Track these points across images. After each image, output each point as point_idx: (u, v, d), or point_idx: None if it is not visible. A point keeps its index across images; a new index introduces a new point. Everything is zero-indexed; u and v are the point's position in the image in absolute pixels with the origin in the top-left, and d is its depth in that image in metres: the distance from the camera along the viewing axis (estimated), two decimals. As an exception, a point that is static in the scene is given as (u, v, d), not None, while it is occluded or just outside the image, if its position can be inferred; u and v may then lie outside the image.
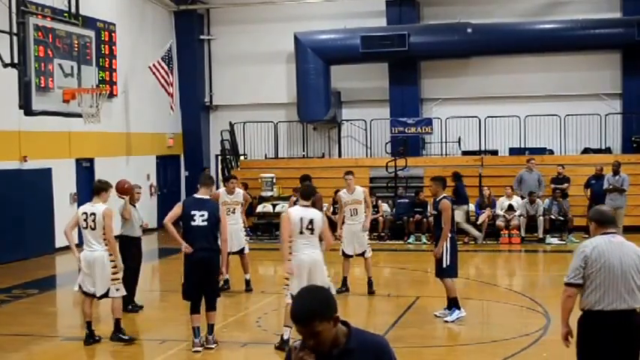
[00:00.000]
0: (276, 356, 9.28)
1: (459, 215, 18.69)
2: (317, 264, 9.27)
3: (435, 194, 10.97)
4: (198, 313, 9.55)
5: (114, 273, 9.76)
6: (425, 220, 19.19)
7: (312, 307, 3.42)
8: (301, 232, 9.21)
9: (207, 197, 9.69)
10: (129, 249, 11.49)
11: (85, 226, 9.74)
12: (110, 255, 9.74)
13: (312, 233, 9.24)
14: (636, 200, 19.00)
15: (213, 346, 9.50)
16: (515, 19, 23.35)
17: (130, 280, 11.49)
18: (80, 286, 9.85)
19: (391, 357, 3.62)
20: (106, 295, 9.74)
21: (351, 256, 12.92)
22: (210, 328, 9.56)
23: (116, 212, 10.90)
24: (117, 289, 9.79)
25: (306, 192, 9.60)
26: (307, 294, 3.54)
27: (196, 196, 9.73)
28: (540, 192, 19.42)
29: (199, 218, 9.39)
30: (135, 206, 11.69)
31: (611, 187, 17.91)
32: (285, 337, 9.22)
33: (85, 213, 9.77)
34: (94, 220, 9.66)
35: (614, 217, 6.43)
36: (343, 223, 12.95)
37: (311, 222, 9.20)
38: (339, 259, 13.14)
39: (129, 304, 11.63)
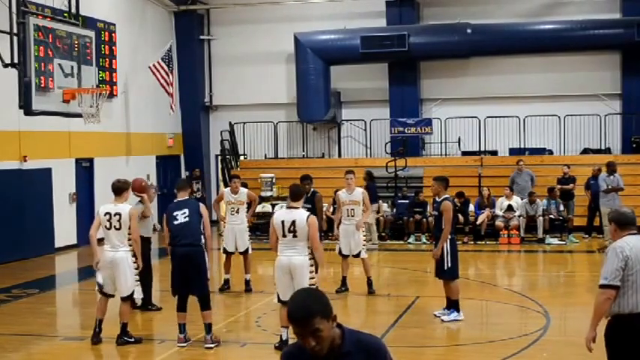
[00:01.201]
0: (276, 356, 9.28)
1: (370, 216, 18.93)
2: (297, 268, 9.02)
3: (436, 194, 10.93)
4: (183, 311, 9.60)
5: (136, 274, 9.77)
6: (425, 220, 19.22)
7: (310, 305, 3.34)
8: (284, 235, 9.03)
9: (187, 198, 9.86)
10: (146, 248, 11.56)
11: (108, 226, 9.62)
12: (133, 256, 9.71)
13: (294, 236, 8.97)
14: (636, 200, 18.99)
15: (212, 346, 9.48)
16: (515, 20, 23.36)
17: (147, 280, 11.58)
18: (101, 286, 9.80)
19: (387, 357, 3.57)
20: (131, 296, 9.71)
21: (348, 256, 12.88)
22: (207, 328, 9.52)
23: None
24: (141, 291, 9.81)
25: (295, 192, 9.29)
26: (302, 293, 3.49)
27: (176, 200, 9.88)
28: (532, 189, 19.53)
29: (181, 216, 9.58)
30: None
31: (609, 187, 17.91)
32: (284, 338, 9.24)
33: (109, 213, 9.64)
34: (119, 220, 9.57)
35: (634, 217, 6.19)
36: (340, 223, 12.90)
37: (293, 224, 8.94)
38: (338, 259, 13.16)
39: (148, 304, 11.70)
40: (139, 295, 9.87)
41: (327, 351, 3.42)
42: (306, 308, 3.34)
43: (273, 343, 9.47)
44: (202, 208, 9.77)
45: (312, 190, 12.95)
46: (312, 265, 9.26)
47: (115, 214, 9.62)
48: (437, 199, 10.89)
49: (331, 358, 3.45)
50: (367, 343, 3.55)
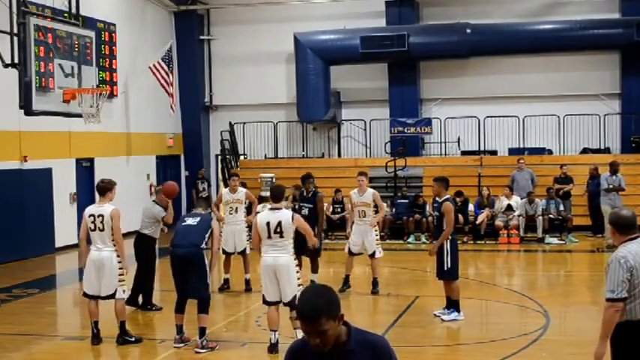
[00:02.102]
0: (275, 356, 9.30)
1: None
2: (282, 268, 9.03)
3: (437, 195, 10.95)
4: (181, 313, 9.60)
5: (121, 274, 9.74)
6: (424, 219, 19.24)
7: (319, 305, 3.44)
8: (269, 237, 9.05)
9: (203, 212, 10.02)
10: (152, 249, 11.63)
11: (93, 228, 9.63)
12: (118, 256, 9.69)
13: (281, 237, 9.00)
14: (636, 200, 19.02)
15: (202, 351, 9.34)
16: (515, 20, 23.39)
17: (149, 279, 11.61)
18: (85, 293, 9.83)
19: (391, 357, 3.62)
20: (112, 296, 9.68)
21: (356, 254, 12.90)
22: (200, 332, 9.43)
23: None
24: (123, 291, 9.78)
25: (277, 193, 9.34)
26: (312, 292, 3.55)
27: (195, 211, 10.11)
28: (532, 189, 19.55)
29: (190, 220, 9.72)
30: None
31: (611, 186, 17.90)
32: (274, 341, 9.21)
33: (93, 215, 9.66)
34: (102, 222, 9.57)
35: (635, 219, 5.94)
36: (353, 222, 12.89)
37: (279, 225, 8.98)
38: (341, 259, 13.17)
39: (148, 304, 11.75)
40: (120, 296, 9.80)
41: (332, 347, 3.50)
42: (314, 308, 3.43)
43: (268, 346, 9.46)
44: (215, 223, 9.78)
45: (313, 189, 12.95)
46: (297, 265, 9.32)
47: (99, 216, 9.62)
48: (438, 199, 10.90)
49: (335, 354, 3.52)
50: (372, 342, 3.62)
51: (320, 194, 12.93)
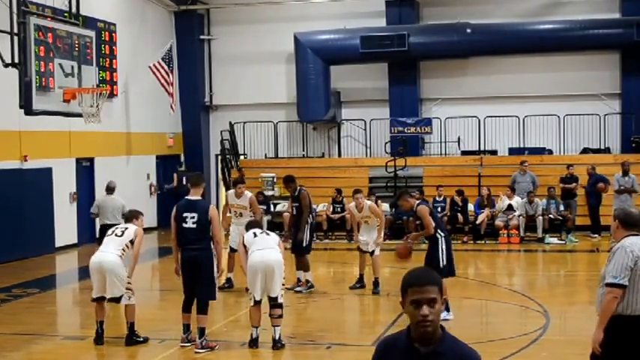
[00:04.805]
0: (276, 356, 9.31)
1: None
2: (272, 265, 9.29)
3: (410, 208, 11.05)
4: (187, 312, 9.60)
5: (129, 282, 9.73)
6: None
7: (432, 275, 3.58)
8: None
9: (198, 198, 9.71)
10: None
11: (109, 233, 9.86)
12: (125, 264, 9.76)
13: (267, 234, 9.74)
14: (636, 200, 18.99)
15: (202, 352, 9.34)
16: (515, 20, 23.38)
17: None
18: (93, 298, 9.83)
19: None
20: (117, 300, 9.69)
21: (365, 252, 13.02)
22: (200, 332, 9.43)
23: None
24: (129, 297, 9.72)
25: (255, 223, 10.25)
26: (424, 267, 3.84)
27: (188, 197, 9.77)
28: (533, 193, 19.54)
29: (190, 220, 9.48)
30: None
31: (622, 187, 17.80)
32: (254, 336, 9.41)
33: (117, 228, 9.99)
34: (123, 231, 9.80)
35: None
36: (358, 230, 13.19)
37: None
38: (341, 259, 13.17)
39: None
40: (126, 302, 9.73)
41: (425, 343, 3.47)
42: (428, 276, 3.57)
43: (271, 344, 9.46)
44: (212, 209, 9.62)
45: (297, 188, 13.14)
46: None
47: (123, 227, 9.91)
48: (413, 209, 10.94)
49: (423, 353, 3.49)
50: (465, 352, 3.56)
51: (303, 192, 13.11)
